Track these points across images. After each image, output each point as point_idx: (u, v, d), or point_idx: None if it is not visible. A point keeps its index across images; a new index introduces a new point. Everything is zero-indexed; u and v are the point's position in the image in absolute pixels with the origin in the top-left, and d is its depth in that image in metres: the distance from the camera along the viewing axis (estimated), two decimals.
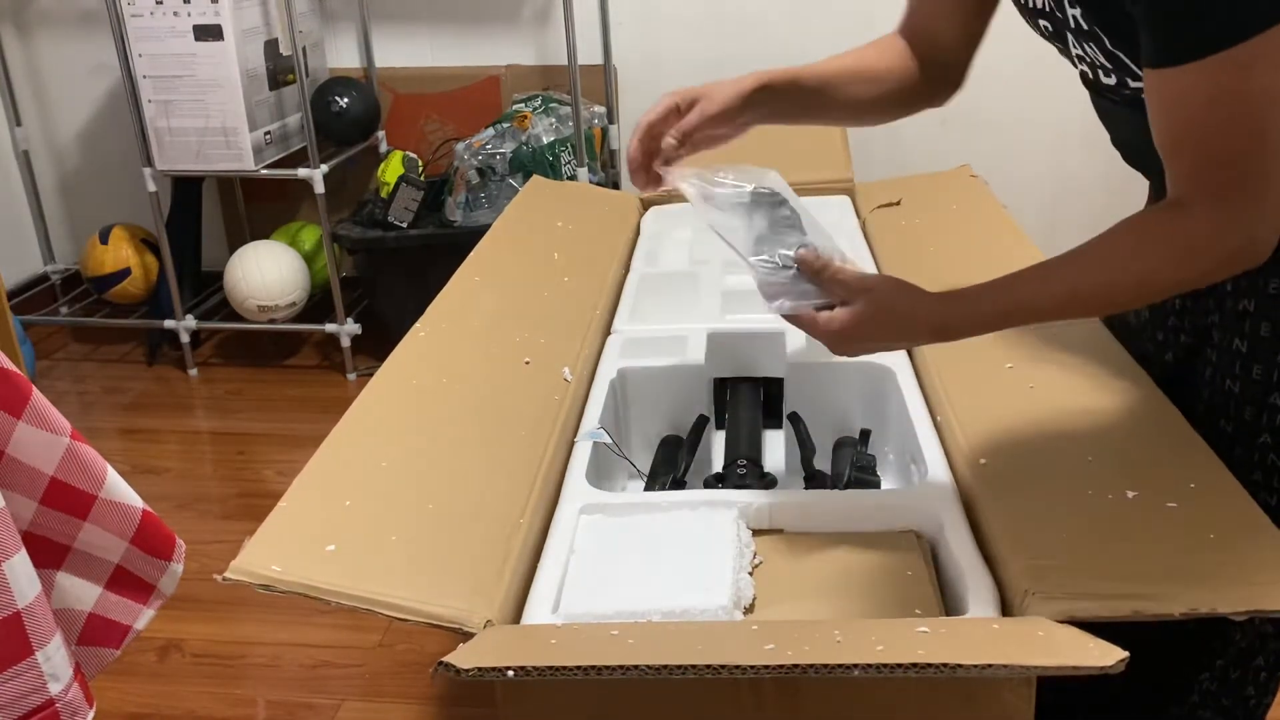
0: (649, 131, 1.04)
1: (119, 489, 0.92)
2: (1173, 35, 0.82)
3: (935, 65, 1.15)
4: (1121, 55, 0.93)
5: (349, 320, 2.93)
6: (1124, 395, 1.14)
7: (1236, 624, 1.09)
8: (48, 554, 0.91)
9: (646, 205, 1.94)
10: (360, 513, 1.00)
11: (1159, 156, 1.07)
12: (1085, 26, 0.94)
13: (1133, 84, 0.96)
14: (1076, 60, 1.01)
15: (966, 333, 0.96)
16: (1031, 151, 2.82)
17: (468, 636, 0.85)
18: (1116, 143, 1.11)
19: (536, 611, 0.92)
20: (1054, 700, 0.95)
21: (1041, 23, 1.00)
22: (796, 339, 1.35)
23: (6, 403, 0.83)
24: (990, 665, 0.75)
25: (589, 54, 2.90)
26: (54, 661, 0.85)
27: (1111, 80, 0.98)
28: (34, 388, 0.85)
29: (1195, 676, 1.12)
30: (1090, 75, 1.01)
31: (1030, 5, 1.00)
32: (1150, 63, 0.85)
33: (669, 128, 1.04)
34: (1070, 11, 0.94)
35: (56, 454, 0.87)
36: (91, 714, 0.89)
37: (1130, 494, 0.97)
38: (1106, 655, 0.76)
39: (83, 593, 0.94)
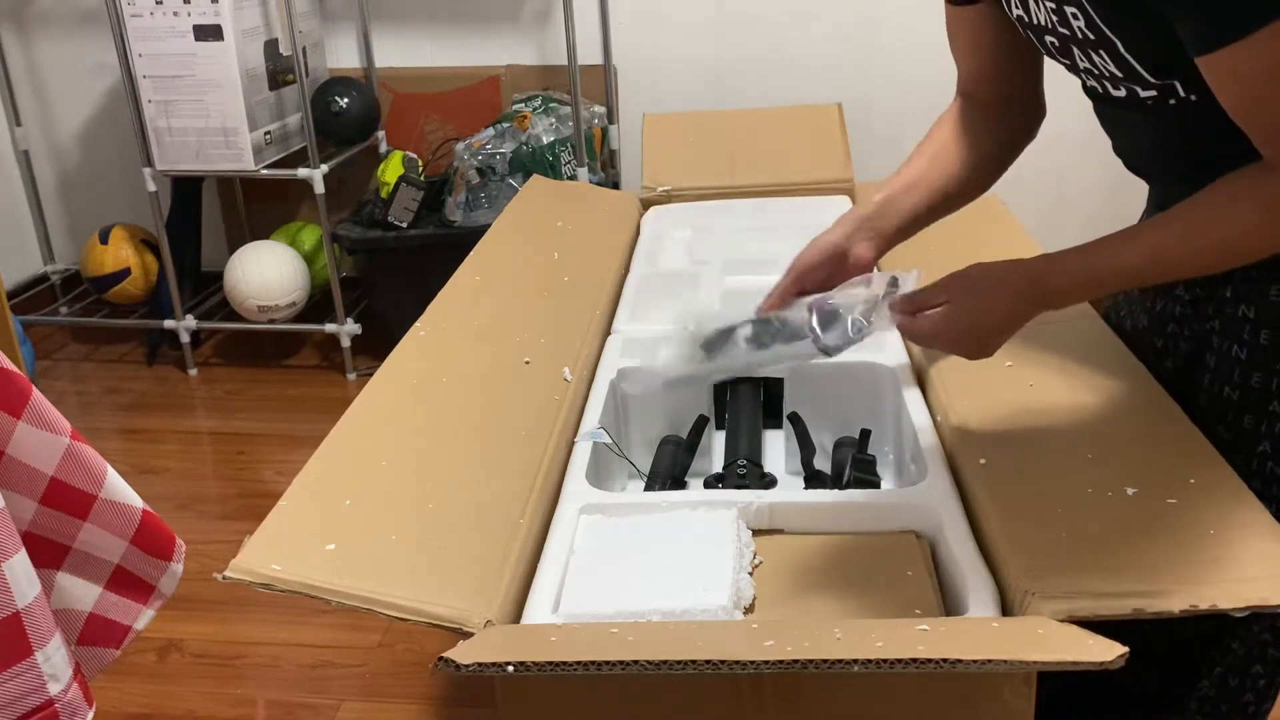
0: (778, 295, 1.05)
1: (119, 489, 0.91)
2: (1214, 18, 0.82)
3: (1011, 103, 1.14)
4: (1133, 60, 0.93)
5: (349, 320, 2.93)
6: (1124, 392, 1.14)
7: (1235, 632, 1.09)
8: (48, 554, 0.91)
9: (646, 205, 1.94)
10: (360, 512, 1.00)
11: (1160, 163, 1.07)
12: (1092, 36, 0.93)
13: (1143, 93, 0.95)
14: (1084, 75, 1.01)
15: (1064, 290, 0.94)
16: (1031, 152, 2.82)
17: (468, 636, 0.85)
18: (1118, 150, 1.10)
19: (536, 611, 0.92)
20: (1054, 707, 0.95)
21: (1048, 39, 0.99)
22: None
23: (6, 403, 0.83)
24: (990, 661, 0.75)
25: (589, 54, 2.91)
26: (54, 661, 0.85)
27: (1121, 92, 0.97)
28: (34, 388, 0.85)
29: (1194, 684, 1.12)
30: (1099, 89, 1.00)
31: (1035, 23, 0.99)
32: (1198, 50, 0.85)
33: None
34: (1075, 24, 0.94)
35: (56, 454, 0.87)
36: (91, 714, 0.89)
37: (1130, 491, 0.97)
38: (1106, 651, 0.76)
39: (82, 593, 0.94)
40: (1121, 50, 0.92)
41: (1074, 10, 0.93)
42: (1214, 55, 0.83)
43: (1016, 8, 1.01)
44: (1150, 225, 0.93)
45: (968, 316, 0.95)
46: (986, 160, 1.13)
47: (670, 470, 1.23)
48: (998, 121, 1.13)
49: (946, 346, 0.99)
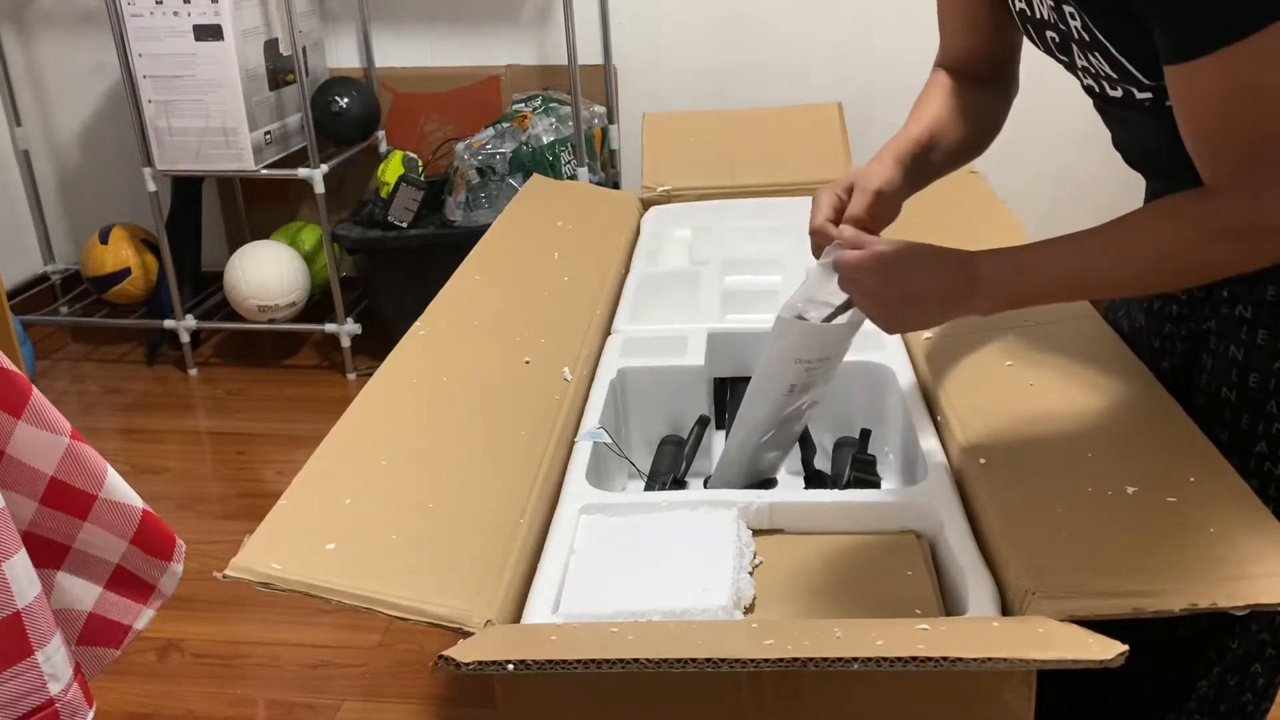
0: (823, 232, 1.04)
1: (119, 489, 0.92)
2: (1190, 29, 0.83)
3: (994, 80, 1.16)
4: (1126, 63, 0.93)
5: (349, 320, 2.93)
6: (1123, 390, 1.14)
7: (1233, 631, 1.09)
8: (48, 554, 0.91)
9: (646, 205, 1.94)
10: (360, 512, 1.00)
11: (1161, 159, 1.07)
12: (1088, 37, 0.93)
13: (1139, 94, 0.96)
14: (1082, 73, 1.01)
15: (995, 282, 0.94)
16: (1031, 151, 2.82)
17: (468, 636, 0.85)
18: (1118, 144, 1.11)
19: (536, 611, 0.92)
20: (1053, 707, 0.95)
21: (1048, 34, 1.00)
22: None
23: (6, 403, 0.83)
24: (989, 659, 0.75)
25: (589, 54, 2.90)
26: (54, 661, 0.85)
27: (1118, 93, 0.98)
28: (34, 388, 0.85)
29: (1193, 684, 1.12)
30: (1096, 89, 1.01)
31: (1037, 18, 1.00)
32: (1170, 59, 0.86)
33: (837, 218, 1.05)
34: (1073, 24, 0.94)
35: (56, 454, 0.87)
36: (91, 714, 0.89)
37: (1130, 490, 0.97)
38: (1106, 650, 0.76)
39: (83, 593, 0.94)
40: (1115, 53, 0.93)
41: (1071, 10, 0.93)
42: (1190, 65, 0.84)
43: (1019, 2, 1.01)
44: (1088, 231, 0.93)
45: (890, 286, 0.95)
46: (976, 132, 1.15)
47: (670, 470, 1.23)
48: (979, 98, 1.15)
49: (865, 304, 0.98)
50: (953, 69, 1.17)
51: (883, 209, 1.05)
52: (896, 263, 0.95)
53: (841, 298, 1.00)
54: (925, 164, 1.10)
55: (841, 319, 1.03)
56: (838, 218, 1.04)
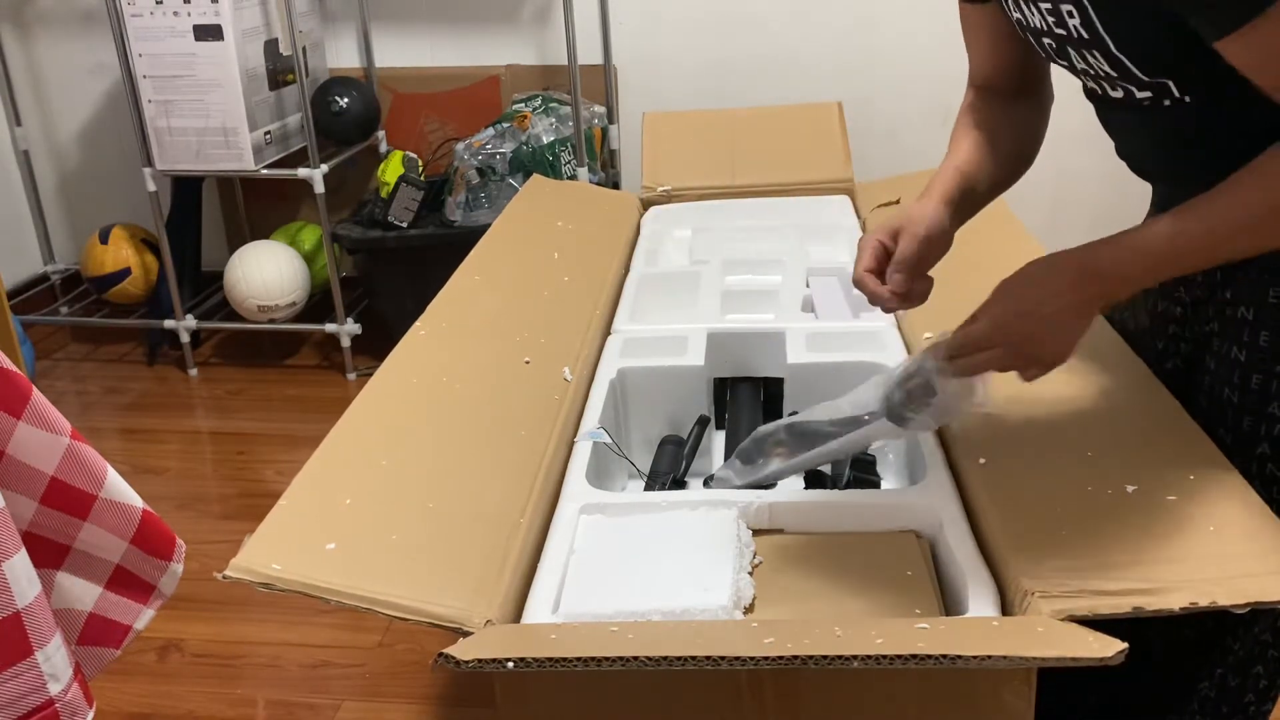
0: (863, 284, 1.01)
1: (119, 489, 0.92)
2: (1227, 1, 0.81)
3: (1027, 92, 1.14)
4: (1125, 60, 0.93)
5: (349, 320, 2.93)
6: (1123, 389, 1.14)
7: (1235, 632, 1.09)
8: (48, 554, 0.91)
9: (646, 205, 1.94)
10: (360, 512, 1.00)
11: (1165, 163, 1.07)
12: (1086, 36, 0.93)
13: (1139, 93, 0.95)
14: (1082, 75, 1.01)
15: (1121, 278, 0.89)
16: None
17: (467, 636, 0.85)
18: (1121, 153, 1.10)
19: (536, 611, 0.92)
20: (1055, 708, 0.95)
21: (1045, 41, 0.99)
22: (796, 339, 1.35)
23: (6, 403, 0.83)
24: (989, 657, 0.75)
25: (589, 54, 2.90)
26: (54, 661, 0.85)
27: (1118, 93, 0.97)
28: (34, 388, 0.85)
29: (1194, 685, 1.12)
30: (1098, 90, 1.01)
31: (1033, 25, 0.99)
32: (1223, 31, 0.83)
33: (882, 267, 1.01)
34: (1071, 23, 0.94)
35: (56, 454, 0.87)
36: (91, 714, 0.89)
37: (1130, 489, 0.97)
38: (1106, 647, 0.76)
39: (83, 593, 0.94)
40: (1114, 49, 0.92)
41: (1070, 8, 0.93)
42: (1236, 35, 0.82)
43: (1014, 10, 1.01)
44: (1202, 199, 0.89)
45: (1017, 319, 0.90)
46: (1019, 149, 1.12)
47: (670, 470, 1.23)
48: (1016, 111, 1.13)
49: (1008, 360, 0.92)
50: (984, 86, 1.15)
51: (931, 251, 1.01)
52: (1008, 318, 0.90)
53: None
54: (971, 196, 1.07)
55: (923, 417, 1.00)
56: (881, 267, 1.00)
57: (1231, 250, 0.91)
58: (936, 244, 1.01)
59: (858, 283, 1.01)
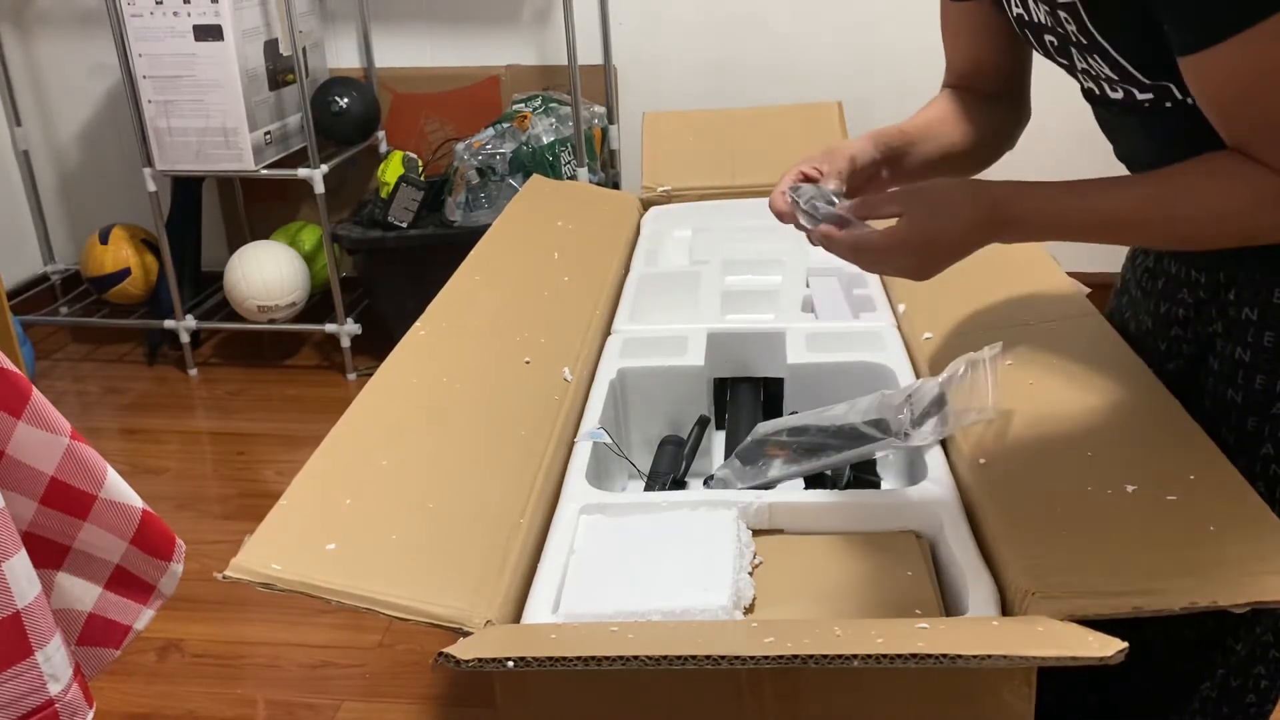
0: (776, 206, 1.03)
1: (119, 489, 0.92)
2: (1204, 17, 0.82)
3: (1000, 98, 1.15)
4: (1125, 63, 0.93)
5: (349, 320, 2.93)
6: (1123, 389, 1.14)
7: (1237, 633, 1.09)
8: (48, 554, 0.91)
9: (646, 205, 1.94)
10: (360, 512, 1.00)
11: (1165, 165, 1.07)
12: (1085, 40, 0.93)
13: (1140, 95, 0.95)
14: (1082, 76, 1.01)
15: (1023, 219, 0.91)
16: (1031, 151, 2.82)
17: (467, 636, 0.85)
18: (1121, 156, 1.10)
19: (536, 611, 0.92)
20: (1055, 708, 0.95)
21: (1047, 38, 0.99)
22: (796, 339, 1.35)
23: (6, 403, 0.83)
24: (989, 656, 0.75)
25: (589, 54, 2.91)
26: (54, 662, 0.85)
27: (1118, 94, 0.97)
28: (34, 388, 0.85)
29: (1196, 686, 1.12)
30: (1097, 91, 1.01)
31: (1034, 21, 0.99)
32: (1185, 50, 0.85)
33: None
34: (1068, 27, 0.94)
35: (56, 454, 0.87)
36: (91, 714, 0.89)
37: (1130, 488, 0.97)
38: (1105, 646, 0.75)
39: (82, 593, 0.94)
40: (1114, 54, 0.92)
41: (1065, 15, 0.93)
42: (1206, 54, 0.84)
43: (1016, 6, 1.01)
44: (1135, 180, 0.91)
45: (921, 233, 0.91)
46: (981, 142, 1.13)
47: (670, 470, 1.23)
48: (987, 111, 1.14)
49: (893, 262, 0.94)
50: (959, 86, 1.17)
51: (858, 182, 1.04)
52: (913, 227, 0.91)
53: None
54: (908, 153, 1.08)
55: (926, 428, 1.03)
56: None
57: (1137, 240, 0.97)
58: (861, 172, 1.04)
59: (771, 203, 1.02)
